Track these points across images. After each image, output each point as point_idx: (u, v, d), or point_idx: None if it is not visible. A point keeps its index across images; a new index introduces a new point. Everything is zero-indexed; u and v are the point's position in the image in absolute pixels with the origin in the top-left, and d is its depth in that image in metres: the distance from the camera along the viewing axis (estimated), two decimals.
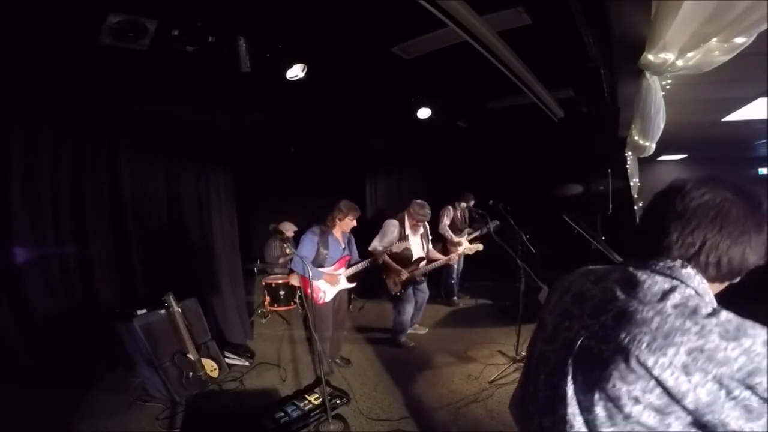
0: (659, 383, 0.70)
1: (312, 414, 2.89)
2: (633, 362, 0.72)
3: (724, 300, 0.83)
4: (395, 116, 4.93)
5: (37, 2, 2.27)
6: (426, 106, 4.61)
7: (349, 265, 3.69)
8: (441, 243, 5.21)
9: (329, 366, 3.66)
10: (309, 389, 3.31)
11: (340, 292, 3.66)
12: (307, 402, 3.03)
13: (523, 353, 3.67)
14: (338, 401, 3.08)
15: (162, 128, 3.90)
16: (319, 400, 2.99)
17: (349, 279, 3.69)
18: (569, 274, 1.00)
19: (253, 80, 3.10)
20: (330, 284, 3.52)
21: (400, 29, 3.06)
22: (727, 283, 0.86)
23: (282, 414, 2.90)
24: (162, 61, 2.89)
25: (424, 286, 4.38)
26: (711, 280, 0.82)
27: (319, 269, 3.44)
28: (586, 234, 3.33)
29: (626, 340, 0.74)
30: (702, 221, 0.80)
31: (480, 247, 4.55)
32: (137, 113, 3.72)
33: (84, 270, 3.50)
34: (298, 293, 4.72)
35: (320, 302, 3.50)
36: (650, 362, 0.71)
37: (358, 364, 3.86)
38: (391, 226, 4.08)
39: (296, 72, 3.19)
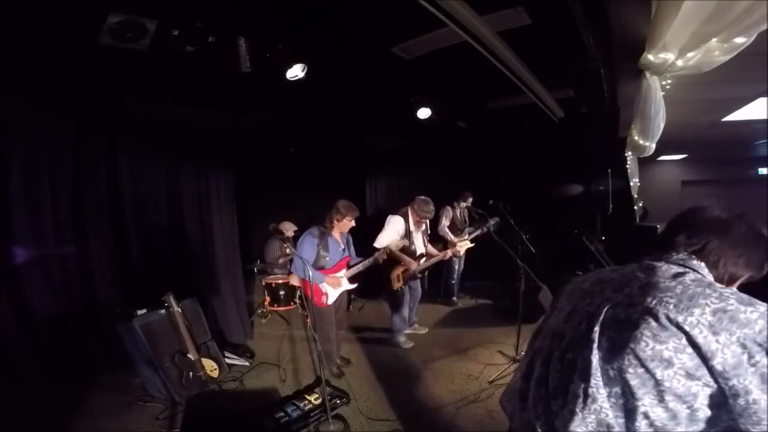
0: (690, 340, 0.75)
1: (312, 414, 2.88)
2: (663, 319, 0.77)
3: None
4: (395, 116, 4.93)
5: (38, 2, 2.27)
6: (426, 106, 4.61)
7: (350, 266, 3.69)
8: (441, 243, 5.21)
9: (338, 369, 3.65)
10: (309, 389, 3.31)
11: (341, 295, 3.65)
12: (307, 402, 3.03)
13: (523, 353, 3.66)
14: (338, 401, 3.08)
15: (162, 128, 3.90)
16: (319, 400, 2.99)
17: (351, 279, 3.69)
18: (584, 274, 1.08)
19: (253, 80, 3.10)
20: (333, 287, 3.51)
21: (400, 29, 3.06)
22: (736, 280, 0.95)
23: (282, 414, 2.90)
24: (162, 61, 2.89)
25: (417, 284, 4.39)
26: (720, 274, 0.91)
27: (321, 272, 3.43)
28: (599, 255, 3.37)
29: (653, 302, 0.80)
30: (709, 228, 0.92)
31: (470, 243, 4.58)
32: (137, 113, 3.72)
33: (84, 270, 3.50)
34: (298, 293, 4.71)
35: (323, 304, 3.49)
36: (680, 319, 0.76)
37: (358, 364, 3.86)
38: (398, 223, 4.08)
39: (296, 72, 3.19)
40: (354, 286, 3.73)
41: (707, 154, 8.93)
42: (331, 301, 3.53)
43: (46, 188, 3.27)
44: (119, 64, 2.91)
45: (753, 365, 0.71)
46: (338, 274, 3.56)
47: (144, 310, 3.19)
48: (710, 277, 0.89)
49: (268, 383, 3.52)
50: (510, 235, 4.03)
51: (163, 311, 3.23)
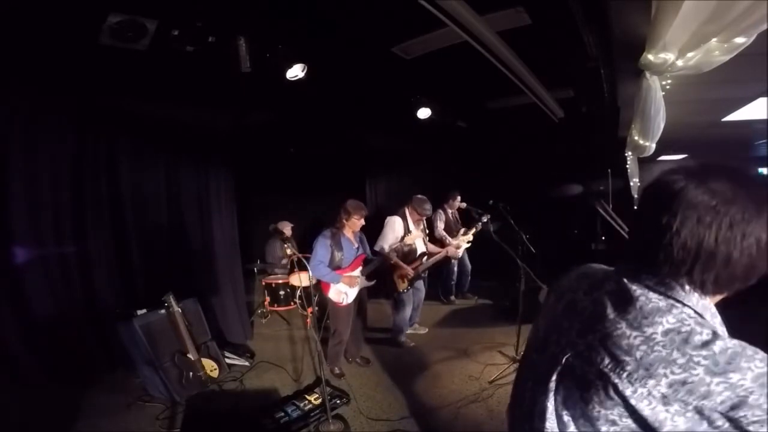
0: (636, 411, 0.69)
1: (312, 414, 2.89)
2: (611, 390, 0.71)
3: (723, 305, 0.78)
4: (395, 116, 4.93)
5: (38, 2, 2.27)
6: (426, 106, 4.61)
7: (365, 263, 3.69)
8: (439, 245, 5.19)
9: (340, 370, 3.64)
10: (309, 389, 3.31)
11: (360, 293, 3.66)
12: (307, 402, 3.03)
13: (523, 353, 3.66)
14: (338, 401, 3.08)
15: (162, 128, 3.90)
16: (319, 400, 2.99)
17: (368, 277, 3.70)
18: (569, 274, 0.97)
19: (253, 80, 3.10)
20: (350, 286, 3.51)
21: (400, 29, 3.06)
22: (736, 290, 0.77)
23: (282, 414, 2.90)
24: (162, 61, 2.89)
25: (421, 284, 4.38)
26: (712, 294, 0.74)
27: (337, 272, 3.44)
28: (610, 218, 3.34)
29: (609, 367, 0.72)
30: (695, 229, 0.69)
31: (469, 237, 4.60)
32: (137, 113, 3.72)
33: (84, 270, 3.50)
34: (299, 293, 4.71)
35: (342, 304, 3.51)
36: (628, 392, 0.69)
37: (359, 364, 3.86)
38: (396, 224, 4.07)
39: (296, 72, 3.19)
40: (372, 283, 3.75)
41: (707, 154, 8.93)
42: (350, 300, 3.54)
43: (46, 188, 3.26)
44: (119, 64, 2.91)
45: (715, 428, 0.65)
46: (354, 273, 3.56)
47: (144, 310, 3.19)
48: (704, 301, 0.73)
49: (268, 383, 3.53)
50: (510, 235, 4.03)
51: (163, 311, 3.24)
